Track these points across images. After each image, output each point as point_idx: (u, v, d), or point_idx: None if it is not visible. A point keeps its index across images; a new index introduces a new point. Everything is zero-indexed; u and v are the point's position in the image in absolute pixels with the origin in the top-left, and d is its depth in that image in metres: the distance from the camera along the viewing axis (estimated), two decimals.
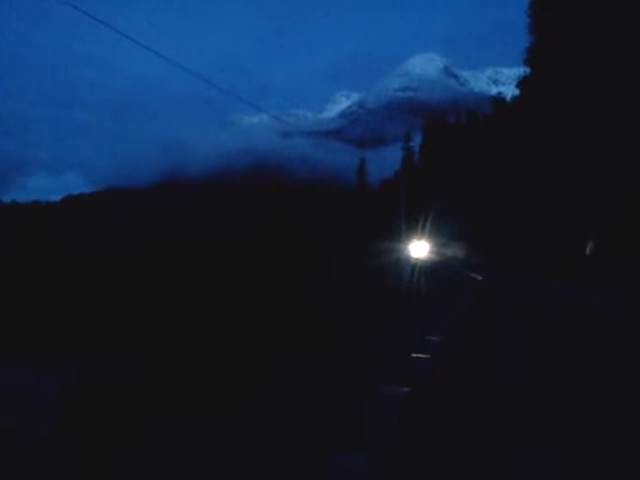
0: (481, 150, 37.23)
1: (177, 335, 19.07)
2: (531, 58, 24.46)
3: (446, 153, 45.70)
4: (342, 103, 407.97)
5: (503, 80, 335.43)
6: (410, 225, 30.77)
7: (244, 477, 6.14)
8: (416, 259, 28.48)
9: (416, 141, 57.66)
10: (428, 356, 4.15)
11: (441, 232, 32.55)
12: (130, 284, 30.28)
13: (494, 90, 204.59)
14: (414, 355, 4.17)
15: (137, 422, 12.11)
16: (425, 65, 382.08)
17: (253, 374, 13.09)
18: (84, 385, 16.20)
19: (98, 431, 12.11)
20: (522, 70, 27.62)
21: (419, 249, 29.93)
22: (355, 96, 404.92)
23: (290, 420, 8.10)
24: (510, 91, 40.98)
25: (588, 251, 20.42)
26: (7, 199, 63.70)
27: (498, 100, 46.25)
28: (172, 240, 39.05)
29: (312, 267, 27.71)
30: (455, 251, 35.69)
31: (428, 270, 27.16)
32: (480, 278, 20.83)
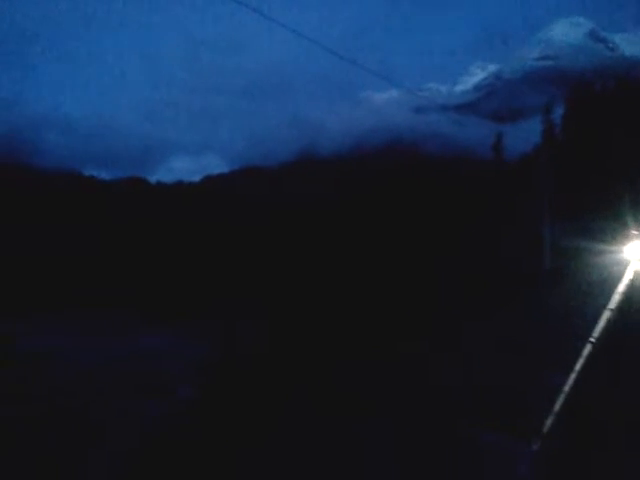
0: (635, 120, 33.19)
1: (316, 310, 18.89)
2: None
3: (592, 124, 41.42)
4: (477, 75, 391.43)
5: None
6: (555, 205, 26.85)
7: None
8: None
9: (557, 113, 53.34)
10: None
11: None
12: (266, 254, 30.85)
13: None
14: None
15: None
16: (568, 30, 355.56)
17: None
18: (224, 352, 16.51)
19: (237, 398, 12.23)
20: None
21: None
22: (491, 67, 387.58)
23: None
24: None
25: None
26: (153, 179, 67.83)
27: None
28: (304, 218, 39.17)
29: (449, 251, 26.03)
30: None
31: None
32: None
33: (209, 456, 9.96)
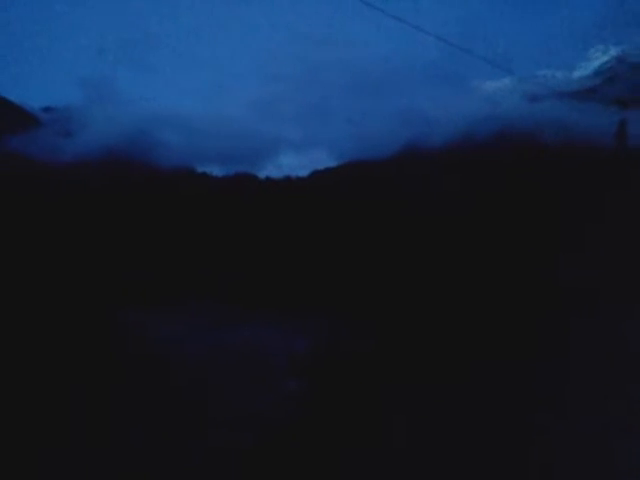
0: None
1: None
2: None
3: None
4: (597, 59, 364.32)
5: None
6: None
7: None
8: None
9: None
10: None
11: None
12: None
13: None
14: None
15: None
16: None
17: None
18: (327, 347, 16.37)
19: (344, 393, 12.13)
20: None
21: None
22: (613, 50, 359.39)
23: None
24: None
25: None
26: (262, 175, 69.32)
27: None
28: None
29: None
30: None
31: None
32: None
33: (322, 449, 9.89)
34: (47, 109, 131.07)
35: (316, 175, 63.63)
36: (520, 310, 17.52)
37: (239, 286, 27.84)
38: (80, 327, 17.55)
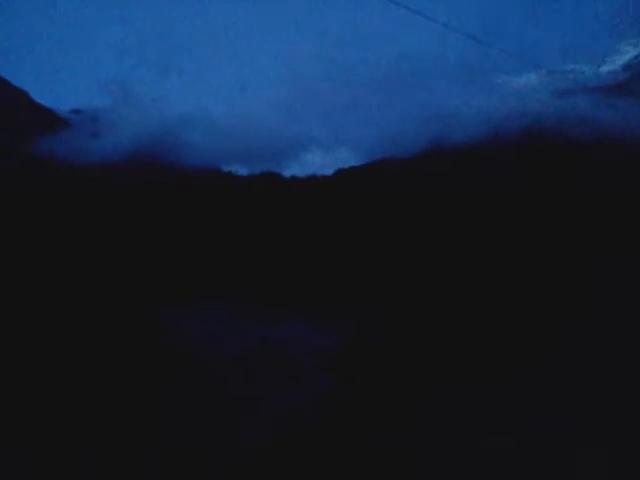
0: None
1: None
2: None
3: None
4: (628, 53, 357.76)
5: None
6: None
7: None
8: None
9: None
10: None
11: None
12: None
13: None
14: None
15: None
16: None
17: None
18: (358, 345, 16.48)
19: (375, 388, 12.22)
20: None
21: None
22: None
23: None
24: None
25: None
26: (288, 174, 69.54)
27: None
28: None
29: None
30: None
31: None
32: None
33: (352, 444, 10.01)
34: (75, 111, 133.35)
35: (341, 173, 63.50)
36: (548, 310, 17.38)
37: (270, 285, 28.11)
38: (120, 327, 17.91)
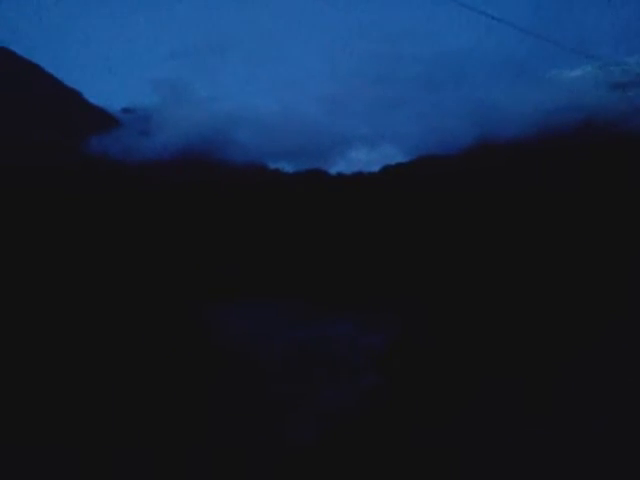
0: None
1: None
2: None
3: None
4: None
5: None
6: None
7: None
8: None
9: None
10: None
11: None
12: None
13: None
14: None
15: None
16: None
17: None
18: (403, 343, 16.36)
19: (416, 390, 12.10)
20: None
21: None
22: None
23: None
24: None
25: None
26: (333, 171, 69.61)
27: None
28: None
29: None
30: None
31: None
32: None
33: (398, 442, 9.94)
34: (126, 110, 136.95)
35: (388, 170, 63.02)
36: (592, 309, 16.81)
37: (317, 283, 28.13)
38: (167, 325, 18.21)
